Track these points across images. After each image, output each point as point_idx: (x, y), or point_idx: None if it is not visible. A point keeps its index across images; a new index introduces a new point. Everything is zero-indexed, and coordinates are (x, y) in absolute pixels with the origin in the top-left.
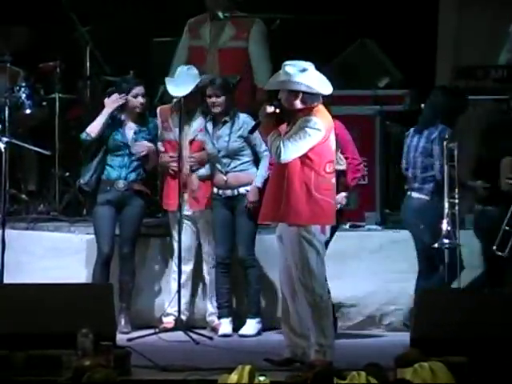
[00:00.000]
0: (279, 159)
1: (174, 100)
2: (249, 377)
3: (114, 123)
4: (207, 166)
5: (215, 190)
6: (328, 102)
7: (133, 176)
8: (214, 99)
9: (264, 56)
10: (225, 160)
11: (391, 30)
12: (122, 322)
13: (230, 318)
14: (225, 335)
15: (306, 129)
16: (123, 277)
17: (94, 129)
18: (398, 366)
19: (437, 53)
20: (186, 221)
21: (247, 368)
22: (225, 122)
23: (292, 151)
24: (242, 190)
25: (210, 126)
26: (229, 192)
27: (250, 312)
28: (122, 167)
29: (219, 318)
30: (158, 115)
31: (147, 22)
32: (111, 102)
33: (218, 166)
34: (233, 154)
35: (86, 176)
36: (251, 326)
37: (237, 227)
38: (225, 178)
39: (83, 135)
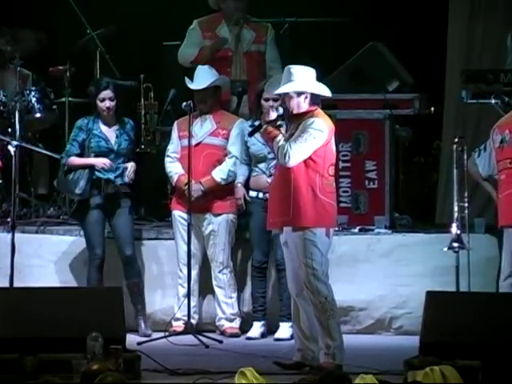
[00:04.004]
0: (287, 163)
1: (184, 104)
2: (254, 377)
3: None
4: (226, 172)
5: (254, 193)
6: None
7: (119, 179)
8: (271, 103)
9: (279, 61)
10: (273, 162)
11: (401, 34)
12: (142, 325)
13: (262, 322)
14: (251, 338)
15: (311, 131)
16: (132, 279)
17: (73, 164)
18: (409, 369)
19: (446, 57)
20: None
21: (248, 370)
22: (279, 126)
23: (298, 154)
24: None
25: None
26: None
27: (283, 315)
28: (109, 171)
29: (252, 320)
30: (175, 127)
31: (157, 26)
32: (99, 162)
33: (262, 167)
34: None
35: (81, 184)
36: (285, 330)
37: None
38: (269, 180)
39: (63, 160)
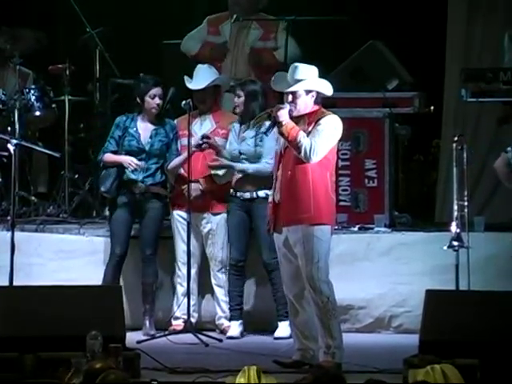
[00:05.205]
0: (312, 159)
1: (183, 102)
2: (256, 377)
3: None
4: (225, 171)
5: (232, 191)
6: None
7: (150, 179)
8: (235, 99)
9: (296, 56)
10: (246, 163)
11: (401, 33)
12: (147, 324)
13: (240, 321)
14: (232, 337)
15: (330, 128)
16: (147, 279)
17: (108, 161)
18: (409, 368)
19: (446, 55)
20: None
21: (253, 369)
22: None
23: (322, 150)
24: (260, 193)
25: (237, 126)
26: (247, 194)
27: (281, 315)
28: (139, 171)
29: (230, 320)
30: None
31: (157, 24)
32: (128, 161)
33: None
34: (253, 158)
35: (107, 183)
36: (284, 329)
37: (258, 231)
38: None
39: (99, 157)
